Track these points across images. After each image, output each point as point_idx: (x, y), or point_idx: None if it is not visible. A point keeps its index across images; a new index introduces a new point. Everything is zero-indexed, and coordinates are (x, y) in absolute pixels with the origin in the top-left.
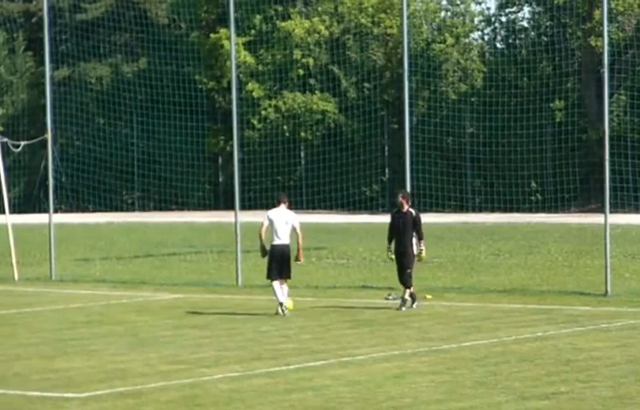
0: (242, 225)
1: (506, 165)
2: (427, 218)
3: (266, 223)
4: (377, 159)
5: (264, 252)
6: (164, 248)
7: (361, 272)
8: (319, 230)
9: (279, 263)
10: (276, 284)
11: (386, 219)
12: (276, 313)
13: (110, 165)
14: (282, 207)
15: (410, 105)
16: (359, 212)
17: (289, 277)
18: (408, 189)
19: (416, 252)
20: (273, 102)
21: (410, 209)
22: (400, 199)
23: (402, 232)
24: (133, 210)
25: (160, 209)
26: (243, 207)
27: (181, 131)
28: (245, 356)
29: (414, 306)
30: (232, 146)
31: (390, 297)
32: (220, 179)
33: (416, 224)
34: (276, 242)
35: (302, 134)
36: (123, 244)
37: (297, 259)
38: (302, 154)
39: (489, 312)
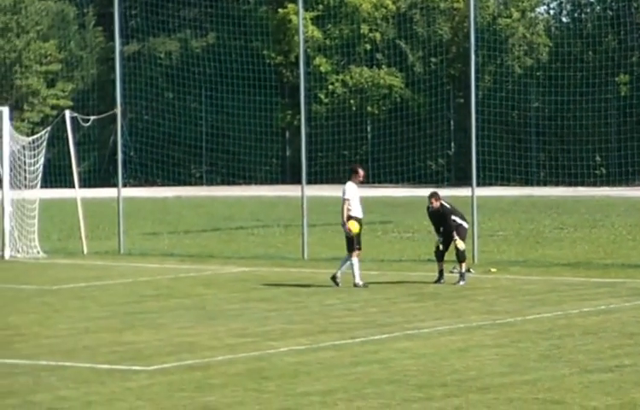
0: (309, 199)
1: (571, 139)
2: (491, 191)
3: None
4: (443, 133)
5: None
6: (231, 222)
7: (426, 246)
8: (385, 203)
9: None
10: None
11: (451, 192)
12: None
13: (178, 139)
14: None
15: (476, 79)
16: (425, 185)
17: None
18: (474, 162)
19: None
20: (340, 76)
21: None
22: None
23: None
24: (201, 184)
25: (228, 183)
26: (310, 182)
27: (249, 106)
28: (311, 329)
29: (461, 282)
30: (299, 120)
31: (455, 270)
32: (287, 154)
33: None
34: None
35: (369, 108)
36: (191, 218)
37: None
38: (368, 128)
39: (553, 285)
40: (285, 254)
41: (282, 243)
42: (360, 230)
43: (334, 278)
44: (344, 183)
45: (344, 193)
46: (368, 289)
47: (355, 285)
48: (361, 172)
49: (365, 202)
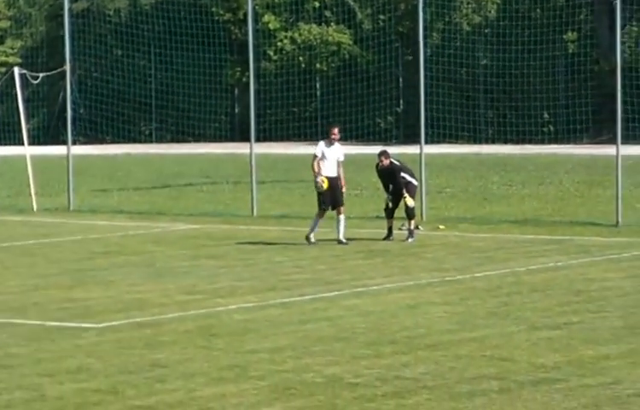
0: (258, 157)
1: (519, 96)
2: (440, 149)
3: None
4: (392, 90)
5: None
6: (180, 179)
7: (374, 203)
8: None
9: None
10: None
11: (400, 150)
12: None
13: (128, 96)
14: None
15: (425, 37)
16: (373, 143)
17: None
18: (422, 120)
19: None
20: (289, 33)
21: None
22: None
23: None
24: (150, 142)
25: (177, 141)
26: (259, 139)
27: (198, 63)
28: (259, 287)
29: (409, 240)
30: (248, 77)
31: (404, 228)
32: (236, 111)
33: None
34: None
35: (317, 66)
36: (140, 175)
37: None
38: (317, 85)
39: (501, 242)
40: (234, 211)
41: (231, 200)
42: (329, 188)
43: (307, 238)
44: (293, 140)
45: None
46: (317, 246)
47: (339, 242)
48: (333, 130)
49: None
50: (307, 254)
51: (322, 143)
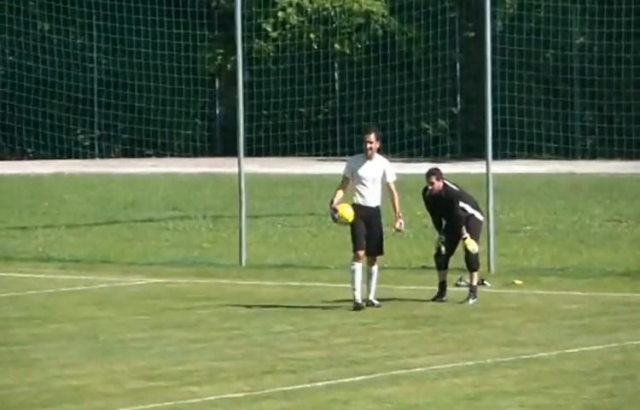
0: (249, 178)
1: (631, 91)
2: (515, 167)
3: None
4: (445, 82)
5: None
6: (136, 211)
7: (420, 247)
8: None
9: None
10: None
11: (457, 168)
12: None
13: (59, 91)
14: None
15: (494, 3)
16: (419, 158)
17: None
18: (489, 125)
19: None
20: (295, 0)
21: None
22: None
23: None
24: (92, 156)
25: (131, 155)
26: (250, 153)
27: (161, 43)
28: (251, 369)
29: (470, 301)
30: (235, 63)
31: (462, 283)
32: (217, 112)
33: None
34: None
35: (336, 46)
36: (77, 206)
37: None
38: (336, 75)
39: (604, 304)
40: (214, 259)
41: (209, 242)
42: (357, 219)
43: (357, 306)
44: (300, 155)
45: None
46: (334, 310)
47: (368, 304)
48: (369, 136)
49: (330, 183)
50: (321, 322)
51: (353, 160)
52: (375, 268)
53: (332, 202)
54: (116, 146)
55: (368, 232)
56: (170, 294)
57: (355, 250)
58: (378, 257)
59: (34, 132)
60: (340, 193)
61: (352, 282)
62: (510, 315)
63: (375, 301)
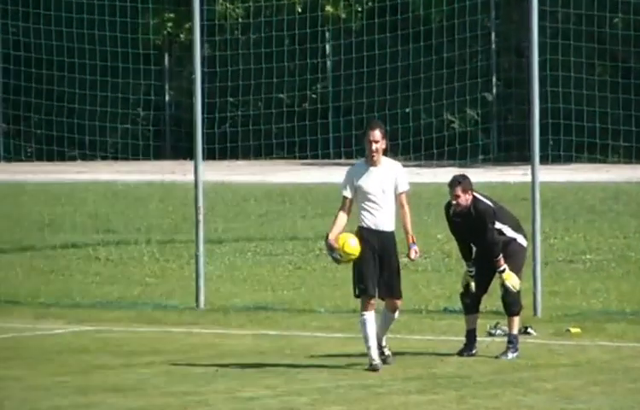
0: (208, 189)
1: None
2: (572, 173)
3: None
4: (475, 58)
5: None
6: (55, 233)
7: (441, 282)
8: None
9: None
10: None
11: (494, 175)
12: (373, 369)
13: None
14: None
15: None
16: (440, 162)
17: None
18: (536, 118)
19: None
20: None
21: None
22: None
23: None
24: None
25: (50, 157)
26: (211, 155)
27: (90, 5)
28: None
29: (509, 355)
30: (190, 32)
31: (499, 330)
32: (166, 99)
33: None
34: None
35: (328, 9)
36: None
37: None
38: (327, 49)
39: None
40: (162, 300)
41: (155, 276)
42: (364, 255)
43: (372, 365)
44: (277, 157)
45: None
46: (326, 367)
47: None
48: (373, 133)
49: (320, 194)
50: (307, 385)
51: (353, 169)
52: (395, 316)
53: (327, 235)
54: (28, 145)
55: (381, 268)
56: (101, 346)
57: (364, 297)
58: (398, 302)
59: None
60: (342, 219)
61: (365, 337)
62: (564, 375)
63: (387, 351)
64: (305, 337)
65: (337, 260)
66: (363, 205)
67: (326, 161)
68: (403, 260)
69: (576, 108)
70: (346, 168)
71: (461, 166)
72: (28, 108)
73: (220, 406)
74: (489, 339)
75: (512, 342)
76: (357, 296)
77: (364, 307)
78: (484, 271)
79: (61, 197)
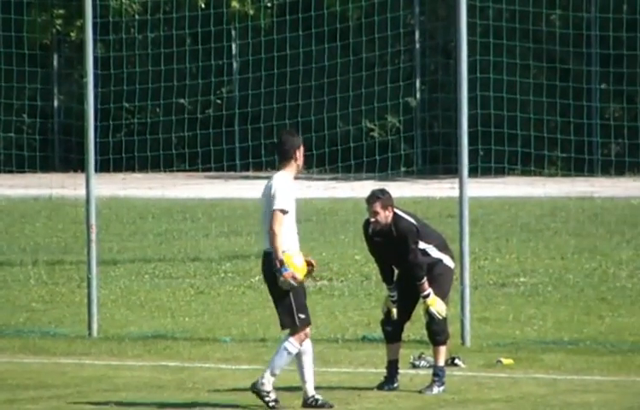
0: (102, 205)
1: None
2: (504, 187)
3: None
4: (397, 59)
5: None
6: None
7: (359, 308)
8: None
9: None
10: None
11: (418, 189)
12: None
13: None
14: (281, 172)
15: None
16: (358, 174)
17: (283, 327)
18: (464, 124)
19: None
20: None
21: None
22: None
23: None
24: None
25: None
26: (104, 167)
27: None
28: None
29: (435, 389)
30: (82, 30)
31: (423, 362)
32: (55, 104)
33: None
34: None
35: (235, 5)
36: None
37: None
38: (234, 49)
39: (635, 394)
40: (49, 328)
41: (42, 301)
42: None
43: (258, 391)
44: (178, 170)
45: (273, 198)
46: (235, 408)
47: (307, 404)
48: (301, 151)
49: (226, 210)
50: None
51: (285, 176)
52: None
53: (280, 265)
54: None
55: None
56: None
57: (305, 325)
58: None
59: None
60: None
61: (301, 373)
62: None
63: (312, 395)
64: (209, 369)
65: (292, 286)
66: (290, 226)
67: (232, 173)
68: (322, 283)
69: (509, 114)
70: (253, 182)
71: (381, 179)
72: None
73: None
74: (412, 371)
75: (438, 374)
76: (294, 327)
77: (302, 339)
78: (406, 295)
79: None
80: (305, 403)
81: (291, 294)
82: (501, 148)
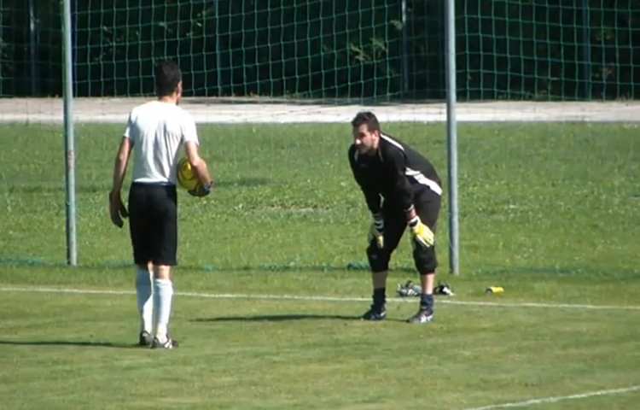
0: (81, 131)
1: None
2: (492, 112)
3: (127, 137)
4: None
5: (117, 213)
6: None
7: (345, 236)
8: (253, 139)
9: (143, 228)
10: (141, 275)
11: (401, 114)
12: (141, 343)
13: None
14: (164, 104)
15: None
16: (343, 98)
17: (167, 262)
18: (451, 47)
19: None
20: None
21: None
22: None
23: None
24: None
25: None
26: (83, 91)
27: None
28: None
29: (423, 318)
30: None
31: (410, 290)
32: (31, 27)
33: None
34: (141, 179)
35: None
36: None
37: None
38: None
39: (630, 324)
40: (27, 256)
41: (19, 229)
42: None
43: (142, 339)
44: (156, 94)
45: (183, 129)
46: (212, 334)
47: (154, 343)
48: (181, 84)
49: (206, 133)
50: (194, 352)
51: (182, 111)
52: (162, 283)
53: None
54: None
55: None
56: None
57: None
58: (164, 268)
59: None
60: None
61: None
62: (485, 341)
63: (161, 340)
64: (191, 298)
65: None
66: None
67: (213, 98)
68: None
69: (497, 37)
70: (235, 106)
71: (366, 103)
72: None
73: (95, 376)
74: (400, 300)
75: (426, 303)
76: (173, 262)
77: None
78: (393, 223)
79: None
80: (148, 341)
81: (176, 227)
82: (490, 71)
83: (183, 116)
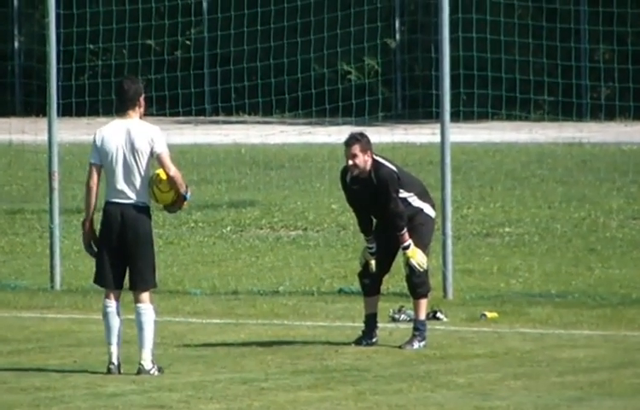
0: (66, 152)
1: None
2: (488, 133)
3: (94, 163)
4: None
5: (90, 242)
6: None
7: (335, 259)
8: (242, 160)
9: (114, 251)
10: (110, 305)
11: (394, 134)
12: (109, 372)
13: None
14: (128, 120)
15: None
16: (334, 118)
17: (146, 286)
18: (446, 67)
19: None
20: None
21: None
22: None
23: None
24: None
25: None
26: (67, 111)
27: None
28: None
29: (415, 344)
30: None
31: (403, 316)
32: (15, 45)
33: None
34: (114, 199)
35: None
36: None
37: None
38: (204, 5)
39: (628, 350)
40: (10, 280)
41: (2, 251)
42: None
43: (109, 370)
44: (147, 114)
45: (153, 142)
46: (200, 361)
47: (139, 369)
48: (143, 99)
49: (195, 154)
50: (181, 378)
51: (150, 125)
52: (143, 307)
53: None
54: None
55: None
56: None
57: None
58: (143, 294)
59: None
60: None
61: (119, 336)
62: (479, 367)
63: (146, 365)
64: (178, 323)
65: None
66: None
67: (201, 118)
68: (297, 233)
69: (493, 56)
70: (222, 127)
71: (358, 123)
72: None
73: (78, 403)
74: (392, 325)
75: (418, 329)
76: (153, 285)
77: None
78: (386, 247)
79: None
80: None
81: (153, 247)
82: (484, 91)
83: (150, 129)
